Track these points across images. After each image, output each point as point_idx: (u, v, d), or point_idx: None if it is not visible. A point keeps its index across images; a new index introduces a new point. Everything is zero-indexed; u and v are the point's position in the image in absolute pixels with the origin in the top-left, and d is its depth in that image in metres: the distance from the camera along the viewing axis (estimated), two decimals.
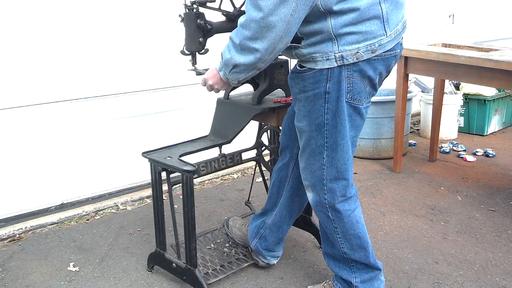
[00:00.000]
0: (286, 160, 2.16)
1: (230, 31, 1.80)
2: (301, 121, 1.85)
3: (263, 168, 2.64)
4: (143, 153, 2.16)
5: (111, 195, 3.13)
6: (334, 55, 1.68)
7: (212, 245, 2.50)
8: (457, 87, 4.43)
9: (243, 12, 1.89)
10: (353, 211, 1.93)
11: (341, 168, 1.86)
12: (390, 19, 1.71)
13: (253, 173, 2.75)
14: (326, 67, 1.71)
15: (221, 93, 2.30)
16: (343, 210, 1.91)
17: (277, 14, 1.56)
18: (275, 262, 2.34)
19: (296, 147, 2.10)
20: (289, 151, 2.14)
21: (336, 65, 1.70)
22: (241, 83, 1.92)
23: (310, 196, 1.96)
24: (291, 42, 1.74)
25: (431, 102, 3.87)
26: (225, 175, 3.50)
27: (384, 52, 1.73)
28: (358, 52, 1.68)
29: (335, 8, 1.61)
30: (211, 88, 1.93)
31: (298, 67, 1.80)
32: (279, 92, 2.32)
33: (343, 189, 1.90)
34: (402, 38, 1.82)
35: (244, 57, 1.68)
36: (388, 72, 1.85)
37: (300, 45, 1.73)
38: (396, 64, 1.94)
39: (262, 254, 2.29)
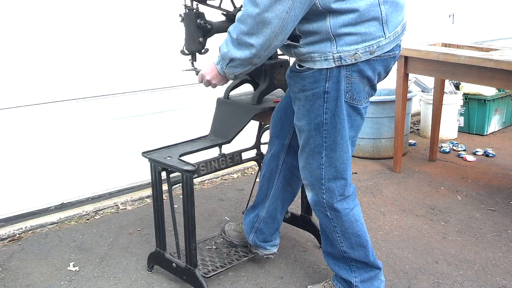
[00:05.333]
0: (275, 151, 2.16)
1: None
2: (300, 120, 1.85)
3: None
4: (143, 153, 2.16)
5: (111, 195, 3.13)
6: (333, 56, 1.69)
7: (212, 246, 2.50)
8: (457, 87, 4.43)
9: None
10: (351, 209, 1.93)
11: (340, 167, 1.86)
12: (389, 21, 1.71)
13: (253, 172, 2.75)
14: (325, 67, 1.71)
15: (221, 93, 2.30)
16: (342, 209, 1.91)
17: (273, 10, 1.57)
18: (276, 251, 2.34)
19: (287, 138, 2.11)
20: (279, 141, 2.14)
21: (334, 66, 1.70)
22: (239, 78, 1.92)
23: (309, 195, 1.97)
24: (290, 41, 1.74)
25: (431, 102, 3.87)
26: (225, 175, 3.50)
27: (383, 53, 1.73)
28: (356, 53, 1.68)
29: (334, 6, 1.61)
30: (208, 83, 1.93)
31: (297, 67, 1.80)
32: (279, 92, 2.32)
33: (342, 189, 1.90)
34: (401, 40, 1.82)
35: (240, 51, 1.69)
36: (387, 73, 1.86)
37: (298, 44, 1.73)
38: (395, 64, 1.94)
39: (261, 246, 2.29)
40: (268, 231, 2.25)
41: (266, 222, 2.24)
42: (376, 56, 1.72)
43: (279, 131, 2.13)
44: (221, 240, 2.52)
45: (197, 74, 2.06)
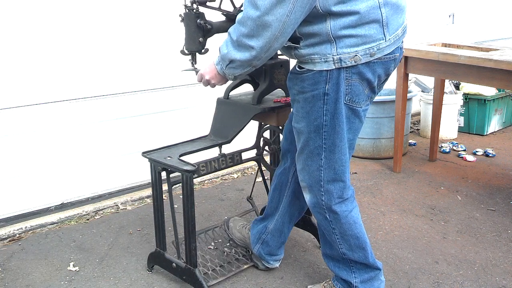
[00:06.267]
0: (287, 165, 2.16)
1: None
2: (300, 122, 1.85)
3: (263, 168, 2.64)
4: (143, 153, 2.16)
5: (111, 195, 3.13)
6: (332, 57, 1.69)
7: (212, 244, 2.50)
8: (457, 87, 4.43)
9: None
10: (350, 211, 1.93)
11: (339, 170, 1.86)
12: (390, 23, 1.71)
13: (253, 172, 2.75)
14: (325, 69, 1.71)
15: (221, 93, 2.30)
16: (340, 211, 1.91)
17: (273, 13, 1.57)
18: (278, 266, 2.35)
19: (296, 151, 2.10)
20: (290, 155, 2.13)
21: (334, 68, 1.70)
22: (238, 78, 1.92)
23: (307, 197, 1.96)
24: (290, 42, 1.74)
25: (431, 102, 3.87)
26: (225, 175, 3.51)
27: (383, 55, 1.73)
28: (356, 55, 1.68)
29: (334, 9, 1.61)
30: (207, 83, 1.93)
31: (297, 68, 1.80)
32: (279, 92, 2.32)
33: (340, 191, 1.90)
34: (402, 42, 1.82)
35: (240, 53, 1.69)
36: (387, 76, 1.85)
37: (299, 45, 1.73)
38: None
39: (265, 259, 2.29)
40: (274, 244, 2.25)
41: (273, 235, 2.24)
42: (377, 59, 1.72)
43: (289, 144, 2.12)
44: (222, 239, 2.52)
45: (197, 74, 2.06)
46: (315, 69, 1.73)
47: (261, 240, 2.26)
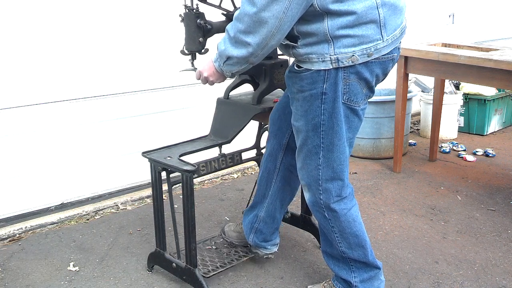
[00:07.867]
0: (272, 150, 2.16)
1: None
2: (298, 120, 1.86)
3: None
4: (143, 153, 2.16)
5: (111, 195, 3.13)
6: (330, 57, 1.69)
7: (212, 246, 2.50)
8: (457, 87, 4.43)
9: None
10: (349, 210, 1.94)
11: (337, 168, 1.86)
12: (388, 24, 1.71)
13: (253, 172, 2.75)
14: (322, 68, 1.71)
15: (221, 93, 2.30)
16: (339, 209, 1.91)
17: (269, 10, 1.58)
18: (276, 250, 2.34)
19: (285, 138, 2.11)
20: (277, 141, 2.14)
21: (331, 67, 1.70)
22: (236, 75, 1.92)
23: (306, 196, 1.97)
24: (289, 41, 1.75)
25: (431, 102, 3.87)
26: (225, 175, 3.51)
27: (381, 55, 1.73)
28: (353, 55, 1.68)
29: (332, 7, 1.62)
30: (205, 80, 1.93)
31: (295, 67, 1.81)
32: (279, 92, 2.33)
33: (339, 189, 1.90)
34: (400, 42, 1.82)
35: (237, 50, 1.70)
36: (385, 75, 1.86)
37: (296, 44, 1.74)
38: (395, 65, 1.94)
39: (262, 246, 2.30)
40: (268, 230, 2.26)
41: (266, 222, 2.24)
42: (374, 59, 1.72)
43: (277, 130, 2.13)
44: (221, 240, 2.52)
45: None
46: (313, 68, 1.73)
47: (254, 229, 2.26)
